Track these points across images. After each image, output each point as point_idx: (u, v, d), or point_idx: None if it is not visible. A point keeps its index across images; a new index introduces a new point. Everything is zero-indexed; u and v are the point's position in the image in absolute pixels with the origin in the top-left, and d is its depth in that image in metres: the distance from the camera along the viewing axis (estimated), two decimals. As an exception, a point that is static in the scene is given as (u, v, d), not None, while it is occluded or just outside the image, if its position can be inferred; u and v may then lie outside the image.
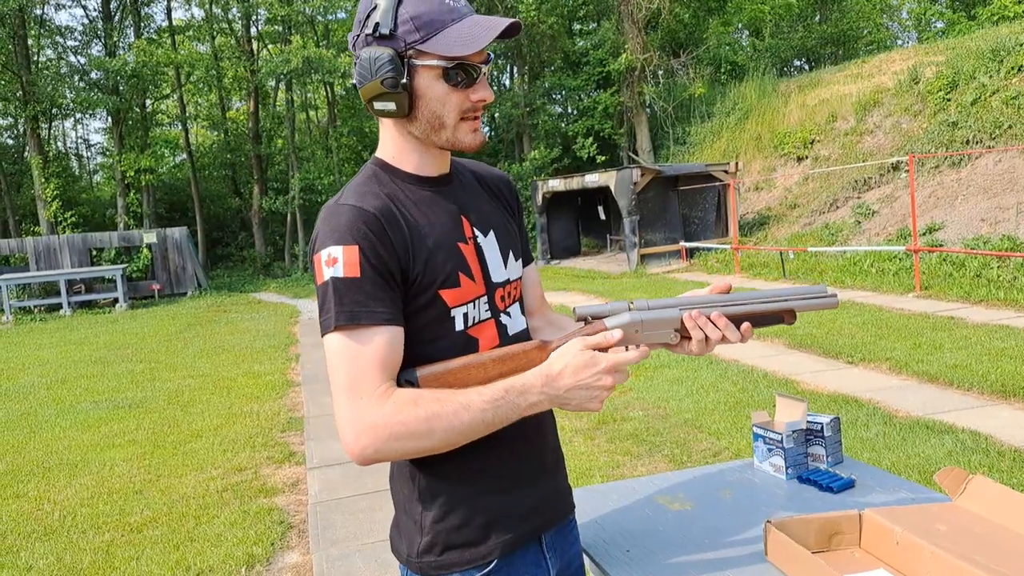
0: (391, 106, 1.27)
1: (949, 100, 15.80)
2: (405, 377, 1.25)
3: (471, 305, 1.33)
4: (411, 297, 1.26)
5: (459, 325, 1.32)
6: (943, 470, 1.63)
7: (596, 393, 1.22)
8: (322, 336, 1.24)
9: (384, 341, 1.21)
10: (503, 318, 1.39)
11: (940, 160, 14.18)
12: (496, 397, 1.20)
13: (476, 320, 1.34)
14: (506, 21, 1.25)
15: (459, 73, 1.26)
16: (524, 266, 1.57)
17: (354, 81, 1.31)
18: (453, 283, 1.30)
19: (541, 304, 1.63)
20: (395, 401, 1.19)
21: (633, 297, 11.85)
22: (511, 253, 1.45)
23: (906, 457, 4.49)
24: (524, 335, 1.45)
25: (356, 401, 1.19)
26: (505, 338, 1.38)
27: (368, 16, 1.26)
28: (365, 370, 1.20)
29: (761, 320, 1.35)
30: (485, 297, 1.36)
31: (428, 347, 1.28)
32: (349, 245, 1.21)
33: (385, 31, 1.24)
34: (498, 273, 1.40)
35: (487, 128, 29.77)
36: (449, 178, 1.40)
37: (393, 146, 1.35)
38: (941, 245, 11.92)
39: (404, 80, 1.25)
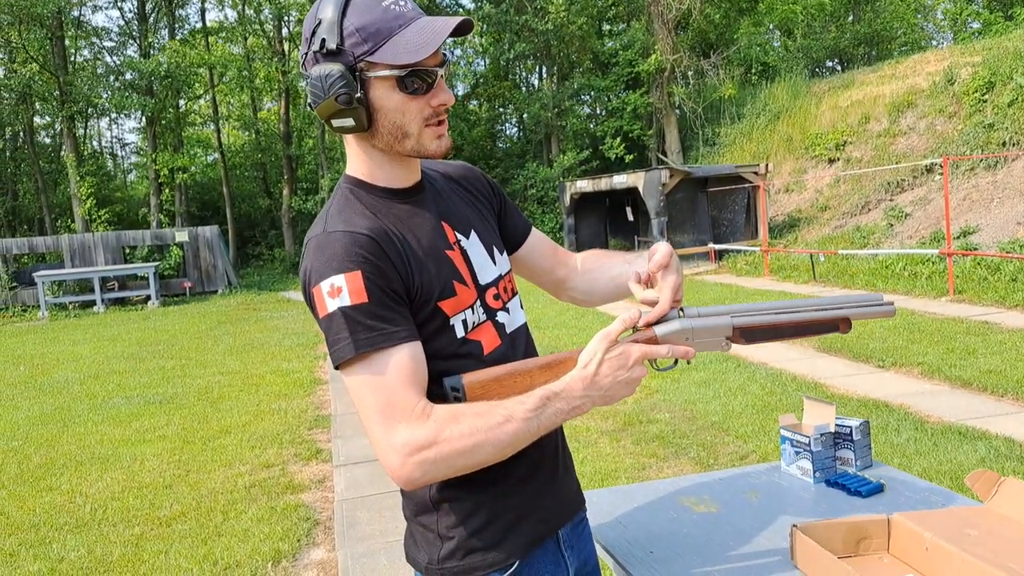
0: (349, 122, 1.24)
1: (985, 101, 15.53)
2: (451, 384, 1.23)
3: (469, 310, 1.32)
4: (412, 312, 1.24)
5: (459, 332, 1.30)
6: (974, 472, 1.60)
7: (633, 384, 1.23)
8: (337, 367, 1.20)
9: (408, 358, 1.19)
10: (500, 316, 1.38)
11: (975, 162, 13.95)
12: (538, 405, 1.18)
13: (475, 324, 1.33)
14: (455, 20, 1.21)
15: (414, 80, 1.23)
16: (524, 237, 1.56)
17: (309, 102, 1.28)
18: (449, 293, 1.29)
19: (559, 259, 1.61)
20: (435, 420, 1.16)
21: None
22: (495, 248, 1.43)
23: (937, 463, 4.42)
24: (523, 330, 1.44)
25: (395, 426, 1.15)
26: (504, 337, 1.37)
27: (314, 33, 1.23)
28: (397, 392, 1.17)
29: (816, 328, 1.32)
30: (478, 300, 1.34)
31: (432, 357, 1.26)
32: (351, 272, 1.18)
33: (332, 46, 1.20)
34: (486, 273, 1.38)
35: (515, 129, 29.81)
36: (421, 186, 1.37)
37: (361, 163, 1.33)
38: (975, 248, 11.72)
39: (358, 94, 1.21)
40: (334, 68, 1.21)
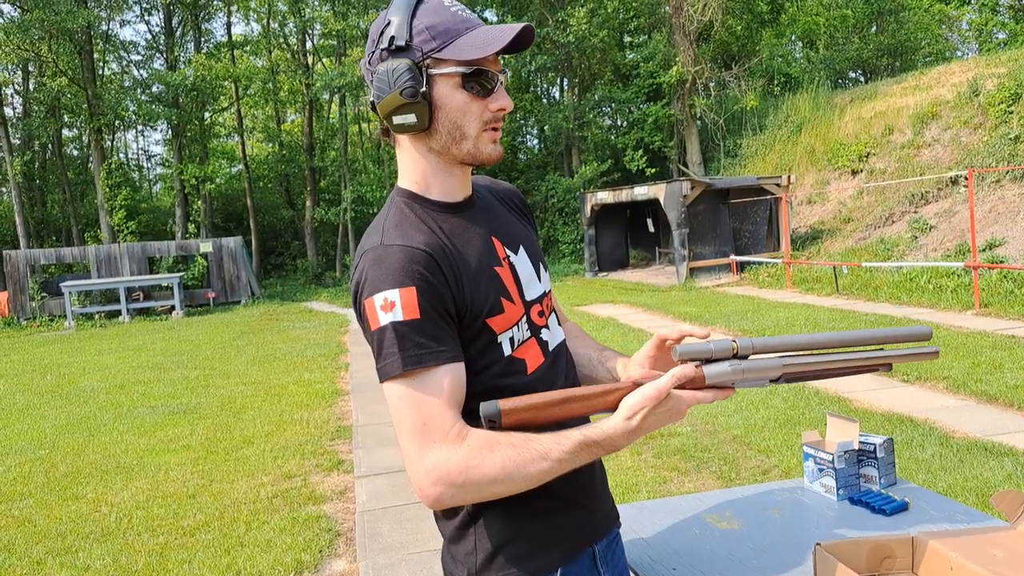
0: (411, 118, 1.25)
1: (1011, 113, 15.39)
2: (486, 412, 1.19)
3: (516, 328, 1.32)
4: (462, 329, 1.25)
5: (506, 350, 1.30)
6: (999, 493, 1.59)
7: (673, 421, 1.23)
8: (382, 382, 1.21)
9: (449, 380, 1.20)
10: (543, 334, 1.38)
11: (1001, 174, 13.80)
12: (575, 449, 1.18)
13: (520, 341, 1.32)
14: (520, 25, 1.24)
15: (476, 83, 1.26)
16: None
17: (371, 99, 1.30)
18: (498, 310, 1.29)
19: (559, 312, 1.61)
20: (470, 446, 1.17)
21: (685, 311, 11.76)
22: (541, 265, 1.44)
23: (963, 480, 4.37)
24: (564, 347, 1.44)
25: (429, 447, 1.17)
26: (547, 354, 1.37)
27: (382, 32, 1.26)
28: (434, 413, 1.18)
29: (856, 371, 1.33)
30: (525, 316, 1.34)
31: (478, 374, 1.26)
32: (406, 287, 1.18)
33: (401, 43, 1.23)
34: (532, 290, 1.38)
35: (536, 141, 29.88)
36: (472, 200, 1.38)
37: (416, 171, 1.33)
38: (1002, 261, 11.58)
39: (423, 89, 1.23)
40: (401, 63, 1.23)
